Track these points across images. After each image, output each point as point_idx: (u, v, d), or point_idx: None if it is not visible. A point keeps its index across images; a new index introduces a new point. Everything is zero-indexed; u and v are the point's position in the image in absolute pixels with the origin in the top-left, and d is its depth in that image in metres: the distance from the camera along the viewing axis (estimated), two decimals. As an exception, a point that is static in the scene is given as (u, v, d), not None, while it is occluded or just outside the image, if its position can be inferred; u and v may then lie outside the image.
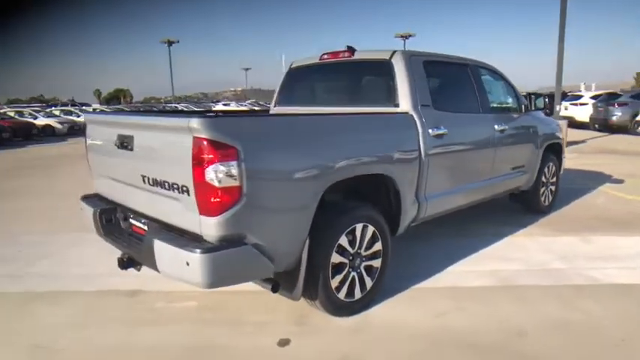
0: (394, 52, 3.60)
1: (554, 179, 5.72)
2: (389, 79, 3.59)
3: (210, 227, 2.33)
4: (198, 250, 2.28)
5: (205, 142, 2.24)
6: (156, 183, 2.58)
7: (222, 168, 2.26)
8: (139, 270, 2.98)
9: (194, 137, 2.27)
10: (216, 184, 2.26)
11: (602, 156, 10.77)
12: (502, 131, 4.39)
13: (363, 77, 3.99)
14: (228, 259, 2.35)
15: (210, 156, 2.24)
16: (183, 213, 2.45)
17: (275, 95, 4.64)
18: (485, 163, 4.28)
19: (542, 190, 5.44)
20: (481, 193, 4.36)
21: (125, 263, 2.89)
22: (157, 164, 2.57)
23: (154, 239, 2.49)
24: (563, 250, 4.28)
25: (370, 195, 3.27)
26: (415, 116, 3.42)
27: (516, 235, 4.77)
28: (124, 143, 2.81)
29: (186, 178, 2.34)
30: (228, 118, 2.43)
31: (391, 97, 3.55)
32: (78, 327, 3.02)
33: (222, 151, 2.26)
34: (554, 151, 5.55)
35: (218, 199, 2.28)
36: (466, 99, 4.16)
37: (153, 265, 2.57)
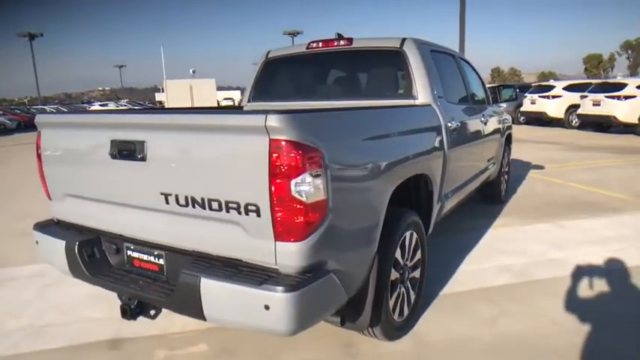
0: (404, 39, 3.30)
1: (507, 168, 5.95)
2: (401, 69, 3.27)
3: (291, 256, 1.79)
4: (281, 289, 1.72)
5: (290, 146, 1.69)
6: (193, 203, 1.93)
7: (309, 179, 1.73)
8: (153, 318, 2.27)
9: (272, 140, 1.70)
10: (304, 199, 1.73)
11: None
12: (485, 123, 4.36)
13: (367, 67, 3.60)
14: (315, 295, 1.82)
15: (297, 164, 1.70)
16: (244, 240, 1.85)
17: (248, 89, 4.03)
18: (478, 156, 4.21)
19: (502, 179, 5.60)
20: (472, 187, 4.28)
21: (133, 311, 2.17)
22: (196, 178, 1.92)
23: (201, 278, 1.85)
24: (550, 238, 4.38)
25: (407, 199, 2.92)
26: (436, 109, 3.16)
27: (496, 227, 4.79)
28: (126, 151, 2.08)
29: (255, 193, 1.76)
30: (307, 113, 1.89)
31: (406, 89, 3.24)
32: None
33: (310, 156, 1.73)
34: (508, 141, 5.76)
35: (303, 219, 1.75)
36: (461, 90, 4.02)
37: (193, 312, 1.93)
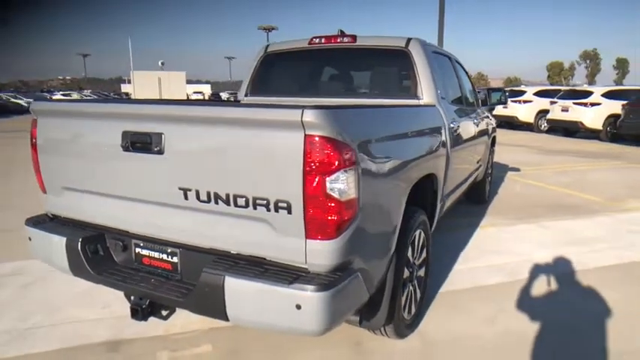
0: (409, 39, 3.30)
1: (490, 170, 6.08)
2: (406, 69, 3.28)
3: (322, 255, 1.74)
4: (314, 287, 1.67)
5: (326, 142, 1.65)
6: (216, 199, 1.85)
7: (344, 176, 1.70)
8: (165, 318, 2.17)
9: (308, 135, 1.65)
10: (338, 196, 1.69)
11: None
12: (477, 125, 4.43)
13: (371, 66, 3.58)
14: (344, 295, 1.78)
15: (333, 161, 1.66)
16: (270, 238, 1.79)
17: (245, 83, 3.94)
18: (472, 157, 4.27)
19: (486, 180, 5.72)
20: (465, 187, 4.34)
21: (145, 311, 2.06)
22: (220, 173, 1.84)
23: (225, 277, 1.78)
24: (534, 238, 4.50)
25: (416, 198, 2.93)
26: (440, 109, 3.18)
27: (483, 227, 4.89)
28: (140, 144, 1.98)
29: (287, 190, 1.70)
30: (340, 109, 1.84)
31: (410, 89, 3.24)
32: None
33: (345, 153, 1.69)
34: (492, 143, 5.88)
35: (336, 217, 1.71)
36: (457, 92, 4.06)
37: (214, 312, 1.86)
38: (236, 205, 1.82)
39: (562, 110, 13.83)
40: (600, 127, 13.06)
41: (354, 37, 3.48)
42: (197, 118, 1.86)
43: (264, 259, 1.87)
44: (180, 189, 1.93)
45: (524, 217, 5.26)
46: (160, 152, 1.93)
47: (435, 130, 2.96)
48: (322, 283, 1.70)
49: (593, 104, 13.06)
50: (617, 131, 12.48)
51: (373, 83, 3.55)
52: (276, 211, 1.74)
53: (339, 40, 3.52)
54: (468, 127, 4.02)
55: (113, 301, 3.03)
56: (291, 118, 1.64)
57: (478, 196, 5.67)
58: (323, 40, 3.58)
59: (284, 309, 1.70)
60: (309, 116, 1.62)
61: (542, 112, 15.47)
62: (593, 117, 13.03)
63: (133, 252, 2.20)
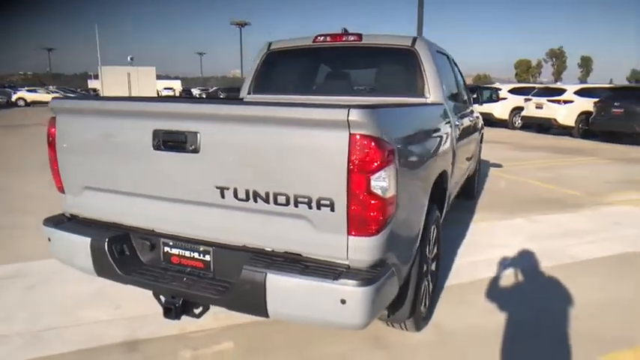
0: (415, 38, 3.38)
1: (478, 166, 6.26)
2: (413, 68, 3.35)
3: (363, 251, 1.79)
4: (358, 282, 1.73)
5: (371, 141, 1.70)
6: (255, 197, 1.87)
7: (386, 174, 1.75)
8: (198, 317, 2.17)
9: (353, 134, 1.69)
10: (381, 194, 1.74)
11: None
12: (472, 122, 4.57)
13: (377, 64, 3.64)
14: (383, 289, 1.84)
15: (377, 159, 1.71)
16: (309, 234, 1.83)
17: (248, 81, 3.94)
18: (469, 153, 4.40)
19: (475, 176, 5.89)
20: (462, 183, 4.46)
21: (178, 310, 2.07)
22: (260, 171, 1.86)
23: (267, 274, 1.81)
24: (528, 232, 4.68)
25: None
26: (447, 108, 3.28)
27: (476, 222, 5.04)
28: (173, 142, 1.98)
29: (330, 188, 1.74)
30: (381, 108, 1.88)
31: (418, 88, 3.32)
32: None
33: (387, 151, 1.75)
34: (481, 139, 6.05)
35: (378, 214, 1.76)
36: (455, 89, 4.18)
37: (254, 309, 1.89)
38: (276, 202, 1.85)
39: (536, 107, 14.28)
40: (573, 124, 13.56)
41: (359, 36, 3.53)
42: (235, 117, 1.87)
43: (300, 255, 1.91)
44: (216, 187, 1.94)
45: (514, 211, 5.44)
46: (196, 151, 1.94)
47: (447, 128, 3.04)
48: (365, 279, 1.75)
49: (566, 102, 13.54)
50: (589, 128, 12.99)
51: (379, 82, 3.61)
52: (318, 208, 1.78)
53: (344, 39, 3.56)
54: (466, 124, 4.14)
55: (123, 302, 3.01)
56: (336, 117, 1.68)
57: (468, 192, 5.82)
58: (328, 39, 3.62)
59: (329, 304, 1.74)
60: (355, 115, 1.66)
61: (517, 110, 15.92)
62: (566, 114, 13.52)
63: (162, 251, 2.20)
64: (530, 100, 14.64)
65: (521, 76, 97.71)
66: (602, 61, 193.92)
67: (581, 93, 13.64)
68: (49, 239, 2.39)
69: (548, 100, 13.85)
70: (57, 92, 40.11)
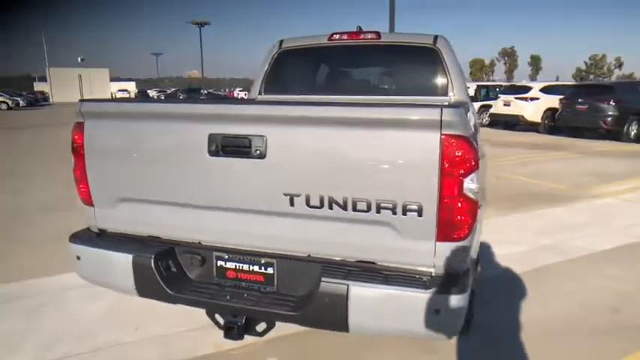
0: (436, 36, 3.33)
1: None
2: (436, 67, 3.30)
3: (451, 256, 1.70)
4: (453, 290, 1.64)
5: (463, 143, 1.61)
6: (330, 204, 1.75)
7: (475, 176, 1.67)
8: (261, 335, 2.01)
9: (445, 135, 1.60)
10: (472, 197, 1.66)
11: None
12: (478, 120, 4.59)
13: (397, 63, 3.56)
14: (469, 295, 1.77)
15: (469, 161, 1.63)
16: (389, 241, 1.73)
17: (259, 81, 3.77)
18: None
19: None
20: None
21: (240, 329, 1.91)
22: (336, 176, 1.74)
23: (349, 285, 1.69)
24: (533, 226, 4.76)
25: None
26: (469, 106, 3.25)
27: (479, 218, 5.08)
28: (234, 147, 1.82)
29: (419, 192, 1.65)
30: (462, 107, 1.80)
31: (441, 86, 3.28)
32: None
33: (476, 152, 1.67)
34: (474, 138, 6.12)
35: (469, 218, 1.68)
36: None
37: (333, 323, 1.77)
38: (355, 209, 1.73)
39: (504, 105, 14.73)
40: (539, 120, 14.08)
41: (377, 34, 3.45)
42: (310, 119, 1.74)
43: (374, 263, 1.80)
44: (285, 194, 1.80)
45: (513, 206, 5.53)
46: (262, 156, 1.79)
47: (478, 127, 3.02)
48: (457, 286, 1.67)
49: (532, 99, 14.05)
50: (555, 124, 13.53)
51: (400, 81, 3.55)
52: (404, 214, 1.68)
53: (361, 37, 3.47)
54: (477, 122, 4.15)
55: (141, 321, 2.80)
56: (428, 117, 1.59)
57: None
58: (345, 37, 3.51)
59: (420, 314, 1.65)
60: (448, 115, 1.57)
61: (485, 107, 16.36)
62: (533, 111, 14.02)
63: (214, 265, 2.03)
64: (498, 98, 15.10)
65: (476, 74, 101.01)
66: (549, 60, 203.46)
67: (546, 90, 14.19)
68: (78, 257, 2.16)
69: (516, 98, 14.32)
70: (1, 95, 37.49)
